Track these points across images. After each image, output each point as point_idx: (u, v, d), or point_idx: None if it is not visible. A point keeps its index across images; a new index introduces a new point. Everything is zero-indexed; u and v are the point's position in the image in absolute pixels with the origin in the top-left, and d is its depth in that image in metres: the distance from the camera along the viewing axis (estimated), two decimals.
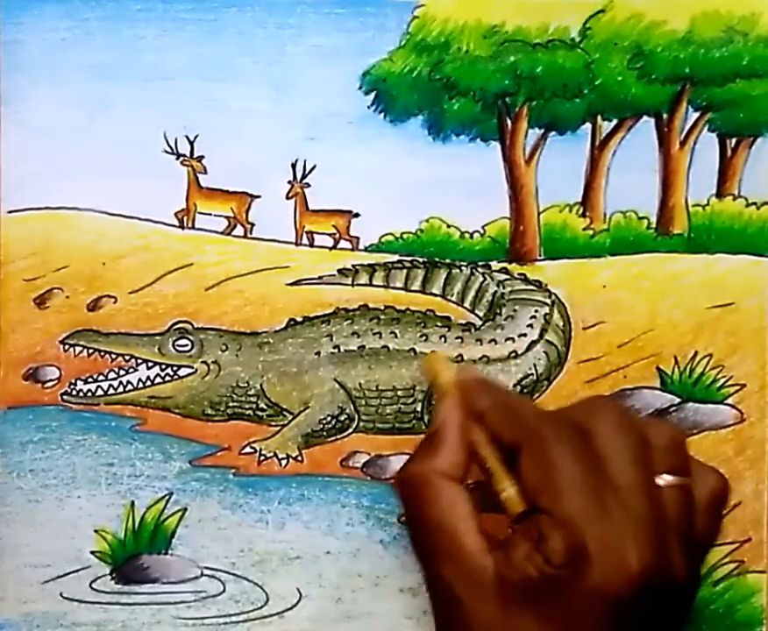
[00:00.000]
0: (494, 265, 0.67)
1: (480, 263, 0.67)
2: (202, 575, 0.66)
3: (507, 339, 0.67)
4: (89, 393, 0.66)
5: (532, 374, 0.66)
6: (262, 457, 0.66)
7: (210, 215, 0.67)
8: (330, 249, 0.67)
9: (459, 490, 0.52)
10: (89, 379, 0.66)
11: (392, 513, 0.66)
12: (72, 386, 0.66)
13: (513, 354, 0.67)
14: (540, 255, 0.67)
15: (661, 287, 0.67)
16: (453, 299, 0.67)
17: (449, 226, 0.66)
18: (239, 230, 0.67)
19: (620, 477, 0.48)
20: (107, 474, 0.66)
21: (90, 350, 0.65)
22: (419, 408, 0.66)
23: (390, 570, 0.66)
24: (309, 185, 0.66)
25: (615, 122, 0.66)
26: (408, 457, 0.54)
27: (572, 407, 0.54)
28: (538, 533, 0.47)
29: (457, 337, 0.66)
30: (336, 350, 0.66)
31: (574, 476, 0.48)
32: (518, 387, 0.66)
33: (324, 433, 0.66)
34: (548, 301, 0.67)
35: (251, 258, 0.67)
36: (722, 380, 0.67)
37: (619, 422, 0.51)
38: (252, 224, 0.67)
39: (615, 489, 0.48)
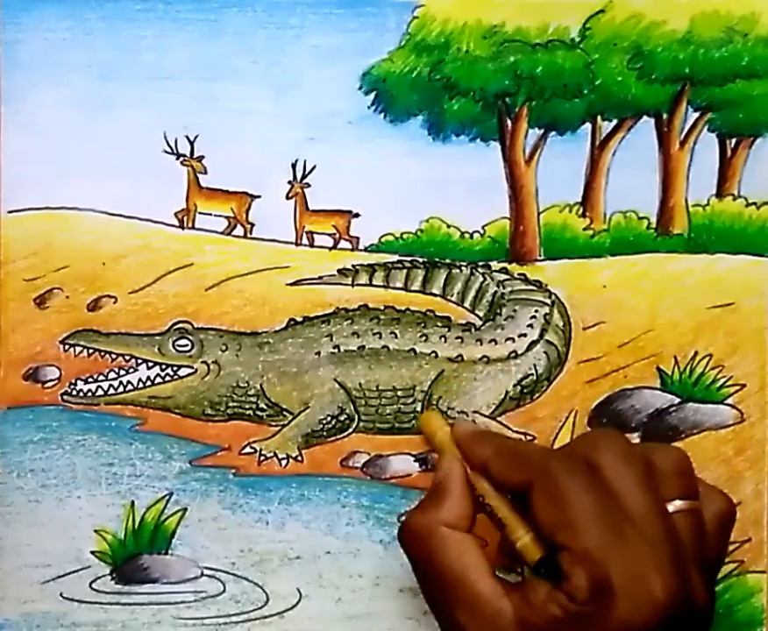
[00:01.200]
0: (494, 265, 0.67)
1: (480, 263, 0.67)
2: (202, 575, 0.66)
3: (507, 339, 0.67)
4: (89, 393, 0.66)
5: (532, 374, 0.66)
6: (262, 457, 0.66)
7: (210, 215, 0.67)
8: (330, 249, 0.67)
9: (467, 538, 0.51)
10: (89, 379, 0.66)
11: (392, 513, 0.66)
12: (72, 386, 0.66)
13: (513, 354, 0.67)
14: (540, 255, 0.67)
15: (661, 287, 0.67)
16: (453, 299, 0.67)
17: (449, 226, 0.66)
18: (239, 230, 0.67)
19: (633, 507, 0.48)
20: (107, 474, 0.66)
21: (90, 351, 0.65)
22: (419, 408, 0.66)
23: (390, 570, 0.66)
24: (309, 185, 0.66)
25: (614, 122, 0.67)
26: (411, 509, 0.54)
27: (574, 443, 0.54)
28: (559, 571, 0.47)
29: (457, 337, 0.66)
30: (336, 350, 0.66)
31: (589, 509, 0.47)
32: (518, 387, 0.66)
33: (324, 433, 0.66)
34: (548, 301, 0.67)
35: (251, 258, 0.67)
36: (722, 380, 0.67)
37: (623, 453, 0.50)
38: (253, 224, 0.67)
39: (629, 519, 0.48)
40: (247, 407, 0.66)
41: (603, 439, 0.52)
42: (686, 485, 0.51)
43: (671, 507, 0.50)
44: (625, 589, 0.46)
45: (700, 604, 0.48)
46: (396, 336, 0.66)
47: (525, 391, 0.66)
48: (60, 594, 0.65)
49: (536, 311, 0.67)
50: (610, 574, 0.46)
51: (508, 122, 0.66)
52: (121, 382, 0.66)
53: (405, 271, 0.67)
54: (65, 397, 0.66)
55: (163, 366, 0.66)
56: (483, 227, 0.67)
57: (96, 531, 0.66)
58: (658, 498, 0.49)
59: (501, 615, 0.48)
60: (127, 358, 0.66)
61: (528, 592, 0.48)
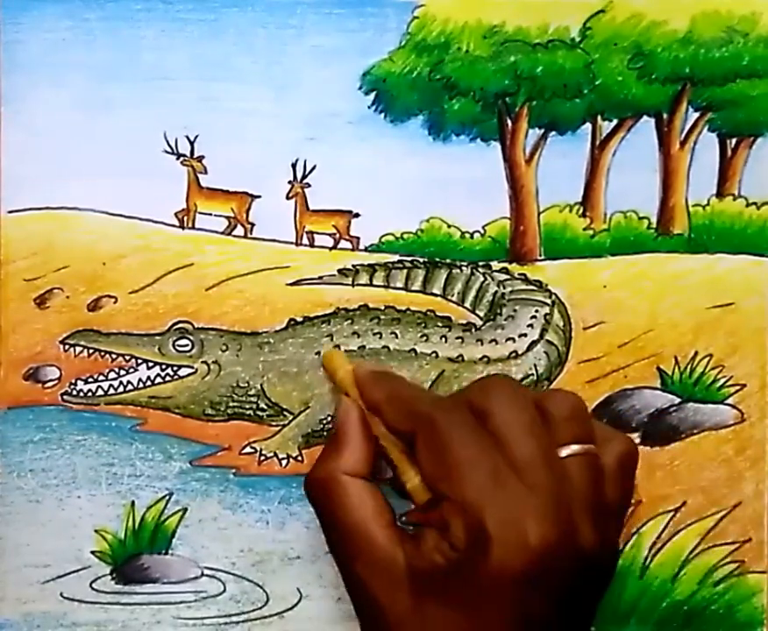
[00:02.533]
0: (495, 265, 0.67)
1: (481, 263, 0.67)
2: (202, 575, 0.66)
3: (507, 339, 0.67)
4: (90, 393, 0.66)
5: (533, 374, 0.66)
6: (262, 457, 0.66)
7: (211, 215, 0.67)
8: (331, 249, 0.67)
9: (367, 486, 0.52)
10: (90, 379, 0.66)
11: None
12: (72, 386, 0.66)
13: (513, 354, 0.67)
14: (540, 255, 0.67)
15: (661, 287, 0.67)
16: (454, 299, 0.67)
17: (449, 226, 0.66)
18: (240, 230, 0.67)
19: (518, 453, 0.48)
20: (107, 474, 0.66)
21: (90, 351, 0.65)
22: None
23: None
24: (309, 185, 0.66)
25: (615, 122, 0.67)
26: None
27: (466, 390, 0.54)
28: (443, 519, 0.47)
29: (457, 338, 0.66)
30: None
31: (469, 458, 0.47)
32: None
33: (325, 433, 0.66)
34: (548, 301, 0.67)
35: (251, 258, 0.67)
36: (723, 380, 0.67)
37: (513, 398, 0.50)
38: (253, 224, 0.67)
39: (514, 466, 0.47)
40: (247, 407, 0.66)
41: (493, 385, 0.52)
42: (580, 429, 0.51)
43: (564, 452, 0.50)
44: (500, 536, 0.46)
45: (588, 550, 0.48)
46: (397, 337, 0.66)
47: None
48: (61, 594, 0.65)
49: (537, 311, 0.67)
50: (485, 522, 0.46)
51: (509, 122, 0.66)
52: (121, 382, 0.66)
53: (405, 271, 0.67)
54: (65, 397, 0.66)
55: (163, 366, 0.66)
56: (483, 227, 0.67)
57: (96, 531, 0.66)
58: (547, 443, 0.49)
59: (395, 564, 0.48)
60: (127, 358, 0.66)
61: (419, 541, 0.48)
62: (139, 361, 0.66)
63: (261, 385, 0.66)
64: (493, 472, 0.47)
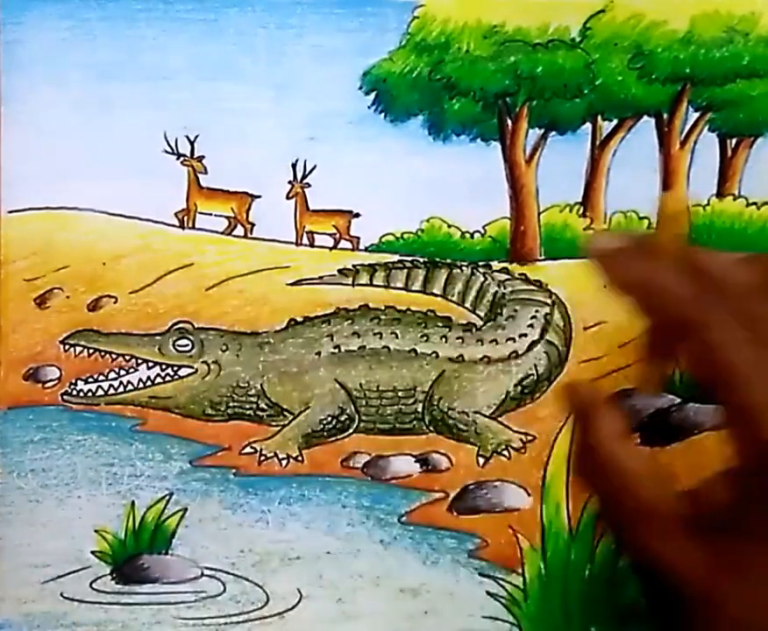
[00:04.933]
0: (495, 265, 0.67)
1: (481, 263, 0.67)
2: (202, 575, 0.66)
3: (508, 339, 0.67)
4: (90, 393, 0.66)
5: (533, 374, 0.66)
6: (263, 457, 0.66)
7: (211, 215, 0.67)
8: (331, 249, 0.67)
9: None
10: (90, 379, 0.66)
11: (392, 513, 0.66)
12: (72, 386, 0.66)
13: (514, 354, 0.67)
14: (541, 255, 0.67)
15: None
16: (454, 299, 0.67)
17: (449, 226, 0.66)
18: (240, 230, 0.67)
19: None
20: (107, 474, 0.66)
21: (91, 350, 0.65)
22: (419, 409, 0.66)
23: (390, 570, 0.66)
24: (309, 185, 0.66)
25: (615, 122, 0.66)
26: None
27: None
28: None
29: (458, 338, 0.66)
30: (336, 351, 0.66)
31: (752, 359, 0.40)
32: (519, 387, 0.66)
33: (325, 433, 0.66)
34: (548, 300, 0.67)
35: (251, 258, 0.67)
36: None
37: None
38: (253, 224, 0.67)
39: None
40: (248, 407, 0.66)
41: None
42: None
43: None
44: None
45: None
46: (397, 337, 0.66)
47: (526, 391, 0.66)
48: (61, 594, 0.65)
49: (537, 311, 0.67)
50: None
51: (509, 122, 0.66)
52: (121, 382, 0.66)
53: (406, 271, 0.67)
54: (65, 397, 0.66)
55: (163, 366, 0.66)
56: (484, 227, 0.67)
57: (96, 531, 0.65)
58: None
59: (681, 520, 0.43)
60: (127, 357, 0.66)
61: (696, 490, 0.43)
62: (139, 361, 0.66)
63: (261, 385, 0.66)
64: None
